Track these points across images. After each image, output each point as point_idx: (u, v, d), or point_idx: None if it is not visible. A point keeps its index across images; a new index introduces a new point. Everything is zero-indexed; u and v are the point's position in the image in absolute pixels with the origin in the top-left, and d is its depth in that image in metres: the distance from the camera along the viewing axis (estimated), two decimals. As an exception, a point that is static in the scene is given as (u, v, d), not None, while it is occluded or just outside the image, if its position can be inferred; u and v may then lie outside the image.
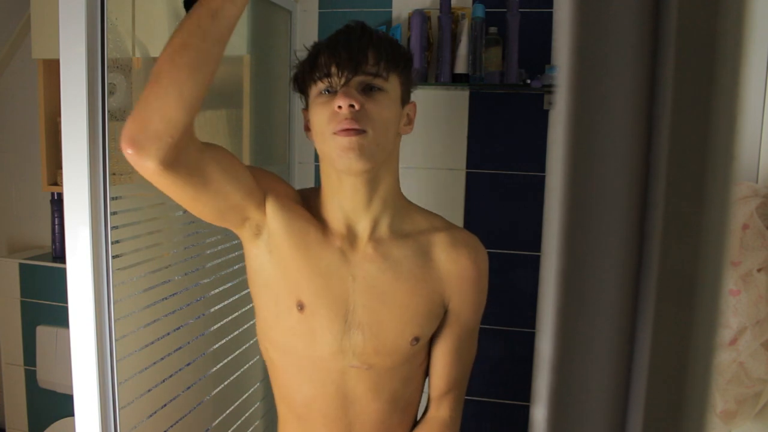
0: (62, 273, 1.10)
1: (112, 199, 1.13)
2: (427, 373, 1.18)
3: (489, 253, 1.18)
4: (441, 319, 1.12)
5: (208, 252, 1.48)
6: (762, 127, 1.41)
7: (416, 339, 1.08)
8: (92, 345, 1.09)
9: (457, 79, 1.80)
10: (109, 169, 1.11)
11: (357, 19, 1.08)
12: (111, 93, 1.15)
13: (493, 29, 1.79)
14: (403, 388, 1.13)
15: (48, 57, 1.86)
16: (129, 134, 0.86)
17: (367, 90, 1.01)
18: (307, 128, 1.08)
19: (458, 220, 1.97)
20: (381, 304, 1.06)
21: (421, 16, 1.81)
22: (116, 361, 1.13)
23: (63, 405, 2.07)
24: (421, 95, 1.89)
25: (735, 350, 1.16)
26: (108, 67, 1.10)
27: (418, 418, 1.21)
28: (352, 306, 1.06)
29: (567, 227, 0.23)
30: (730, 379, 1.17)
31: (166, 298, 1.31)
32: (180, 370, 1.36)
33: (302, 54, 1.10)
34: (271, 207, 1.05)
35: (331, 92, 1.01)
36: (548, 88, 1.77)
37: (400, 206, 1.11)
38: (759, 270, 1.16)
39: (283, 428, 1.19)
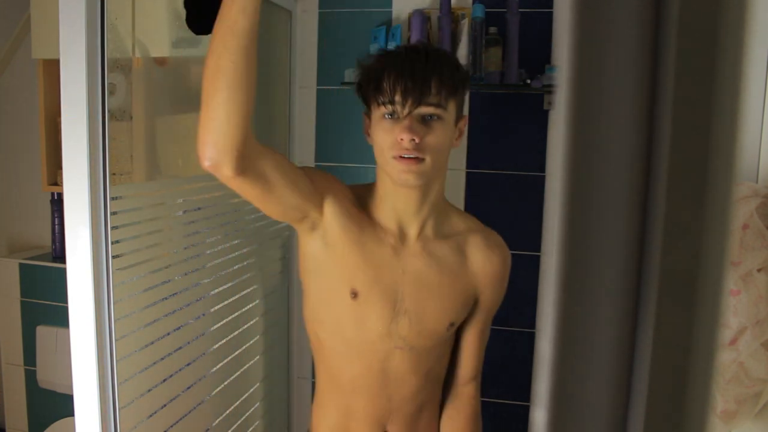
0: (62, 273, 1.10)
1: (112, 199, 1.12)
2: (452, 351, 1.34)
3: (489, 253, 1.29)
4: (471, 308, 1.28)
5: (208, 252, 1.48)
6: (762, 127, 1.41)
7: (452, 324, 1.24)
8: (92, 345, 1.09)
9: (457, 79, 1.80)
10: (109, 169, 1.11)
11: (423, 41, 1.20)
12: (111, 93, 1.15)
13: (493, 29, 1.79)
14: (437, 365, 1.28)
15: (48, 57, 1.86)
16: (202, 154, 0.97)
17: (427, 119, 1.10)
18: (367, 133, 1.19)
19: (458, 220, 1.96)
20: (425, 294, 1.21)
21: (421, 16, 1.81)
22: (116, 361, 1.13)
23: (63, 405, 2.07)
24: (421, 95, 1.89)
25: (735, 350, 1.16)
26: (108, 67, 1.10)
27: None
28: (400, 295, 1.20)
29: (568, 228, 0.23)
30: (730, 379, 1.17)
31: (166, 298, 1.31)
32: (180, 370, 1.36)
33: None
34: (328, 208, 1.17)
35: (394, 118, 1.10)
36: (548, 88, 1.77)
37: (442, 209, 1.24)
38: (759, 270, 1.16)
39: (321, 401, 1.31)
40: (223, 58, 0.93)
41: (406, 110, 1.08)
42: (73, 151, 1.06)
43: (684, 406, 0.24)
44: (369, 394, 1.24)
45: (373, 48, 1.84)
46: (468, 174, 1.94)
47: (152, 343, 1.27)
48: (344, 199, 1.18)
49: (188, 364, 1.39)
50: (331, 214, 1.16)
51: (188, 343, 1.39)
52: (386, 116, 1.11)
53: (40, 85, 1.91)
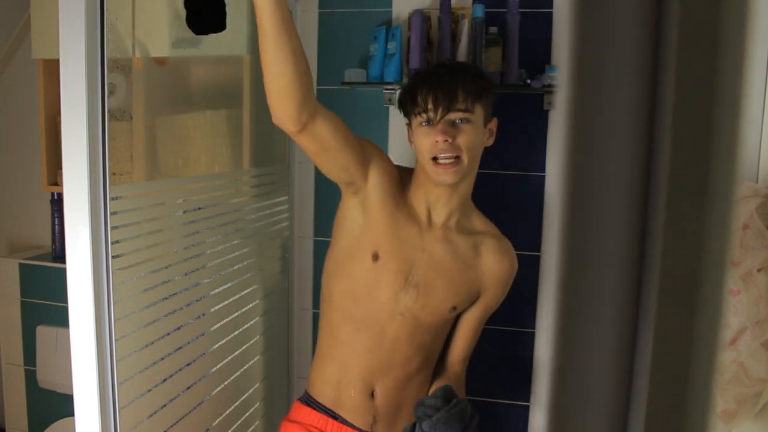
0: (62, 273, 1.10)
1: (112, 199, 1.12)
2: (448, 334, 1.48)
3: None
4: (474, 301, 1.44)
5: (208, 252, 1.48)
6: (762, 127, 1.41)
7: (454, 308, 1.40)
8: (92, 345, 1.09)
9: (457, 79, 1.80)
10: (109, 169, 1.11)
11: (449, 58, 1.45)
12: (111, 93, 1.15)
13: (493, 29, 1.79)
14: (431, 341, 1.42)
15: (48, 57, 1.86)
16: (273, 114, 1.17)
17: (457, 122, 1.30)
18: (410, 140, 1.37)
19: (458, 220, 1.96)
20: (437, 275, 1.37)
21: (421, 16, 1.80)
22: (116, 361, 1.13)
23: (63, 405, 2.07)
24: (421, 95, 1.89)
25: (735, 350, 1.16)
26: (108, 67, 1.10)
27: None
28: (415, 270, 1.36)
29: (569, 228, 0.23)
30: (730, 379, 1.17)
31: (166, 298, 1.31)
32: (180, 370, 1.36)
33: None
34: (373, 179, 1.34)
35: (430, 125, 1.30)
36: (548, 88, 1.77)
37: (468, 207, 1.44)
38: (759, 270, 1.16)
39: (322, 357, 1.45)
40: (265, 43, 1.10)
41: (439, 116, 1.29)
42: (73, 151, 1.06)
43: (685, 407, 0.24)
44: (364, 352, 1.38)
45: (373, 48, 1.84)
46: (468, 174, 1.94)
47: (152, 343, 1.26)
48: (389, 175, 1.36)
49: (188, 364, 1.39)
50: (373, 185, 1.34)
51: (188, 343, 1.39)
52: (423, 124, 1.31)
53: (40, 85, 1.91)
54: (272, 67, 1.12)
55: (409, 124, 1.38)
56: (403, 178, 1.41)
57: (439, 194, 1.36)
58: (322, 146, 1.23)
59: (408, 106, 1.35)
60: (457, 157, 1.29)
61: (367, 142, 1.36)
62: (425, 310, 1.36)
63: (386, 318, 1.37)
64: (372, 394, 1.41)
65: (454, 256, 1.38)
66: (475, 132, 1.32)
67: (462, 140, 1.29)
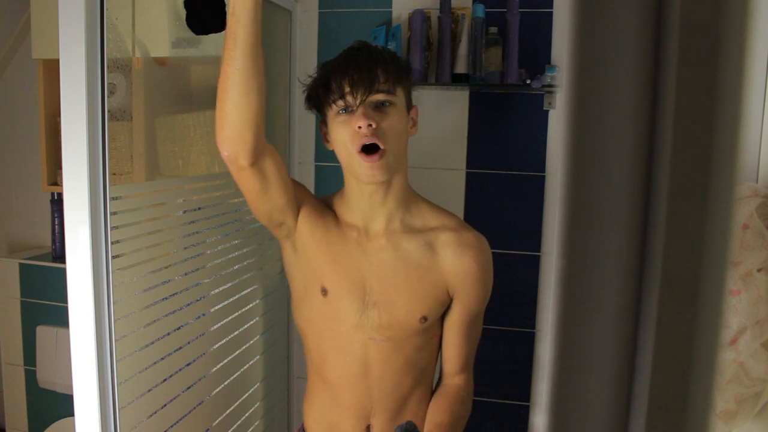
0: (62, 273, 1.10)
1: (112, 199, 1.12)
2: (440, 344, 1.33)
3: (489, 253, 1.27)
4: (448, 304, 1.28)
5: (208, 252, 1.48)
6: (762, 127, 1.41)
7: (424, 318, 1.24)
8: (92, 345, 1.09)
9: (457, 79, 1.80)
10: (109, 169, 1.11)
11: (360, 40, 1.22)
12: (111, 93, 1.15)
13: (493, 29, 1.79)
14: (416, 356, 1.28)
15: (48, 57, 1.86)
16: (221, 147, 1.09)
17: (380, 106, 1.15)
18: (326, 140, 1.23)
19: (458, 220, 1.97)
20: (393, 287, 1.23)
21: (421, 16, 1.81)
22: (116, 361, 1.13)
23: (63, 405, 2.07)
24: (421, 95, 1.89)
25: (735, 350, 1.16)
26: (108, 67, 1.10)
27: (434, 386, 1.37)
28: (368, 288, 1.23)
29: (569, 228, 0.23)
30: (730, 379, 1.17)
31: (166, 298, 1.31)
32: (180, 370, 1.36)
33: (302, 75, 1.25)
34: (302, 217, 1.24)
35: (348, 111, 1.15)
36: (548, 88, 1.77)
37: (411, 202, 1.26)
38: (759, 270, 1.16)
39: (312, 394, 1.36)
40: (230, 66, 1.02)
41: (359, 99, 1.13)
42: (73, 151, 1.06)
43: (685, 407, 0.24)
44: (351, 386, 1.27)
45: (373, 48, 1.84)
46: (468, 174, 1.94)
47: (152, 343, 1.26)
48: (313, 206, 1.26)
49: (188, 364, 1.39)
50: (301, 222, 1.24)
51: (188, 343, 1.39)
52: (341, 111, 1.15)
53: (40, 85, 1.91)
54: (240, 95, 1.03)
55: (323, 122, 1.22)
56: (330, 203, 1.29)
57: (372, 196, 1.20)
58: (266, 183, 1.14)
59: (320, 97, 1.19)
60: (381, 149, 1.12)
61: (297, 184, 1.27)
62: (393, 327, 1.23)
63: (359, 347, 1.25)
64: (368, 429, 1.30)
65: (406, 261, 1.23)
66: (399, 117, 1.16)
67: (386, 125, 1.13)
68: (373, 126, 1.11)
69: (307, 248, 1.25)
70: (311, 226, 1.24)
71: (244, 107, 1.03)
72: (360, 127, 1.11)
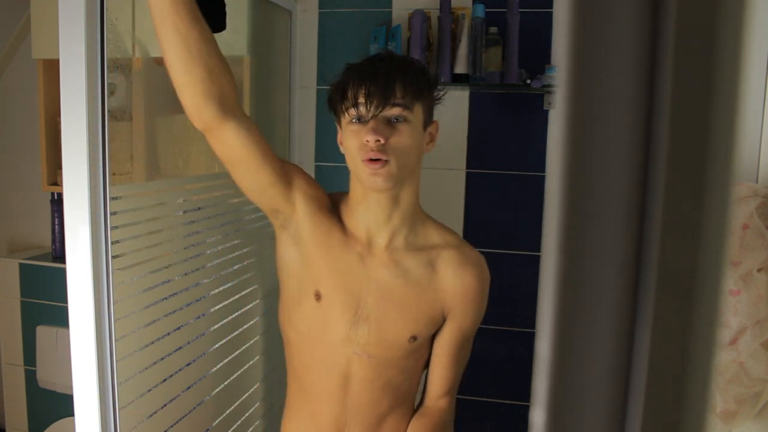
0: (62, 273, 1.10)
1: (112, 199, 1.12)
2: (425, 366, 1.30)
3: (489, 253, 1.28)
4: (440, 325, 1.25)
5: (208, 252, 1.48)
6: (762, 127, 1.41)
7: (414, 338, 1.22)
8: (92, 345, 1.09)
9: (457, 79, 1.80)
10: (109, 169, 1.11)
11: (388, 49, 1.21)
12: (111, 93, 1.15)
13: (493, 29, 1.79)
14: (399, 377, 1.25)
15: (48, 57, 1.86)
16: (188, 113, 1.09)
17: (393, 121, 1.12)
18: (340, 142, 1.21)
19: (458, 220, 1.97)
20: (388, 303, 1.20)
21: (421, 16, 1.81)
22: (116, 361, 1.13)
23: (63, 405, 2.07)
24: (421, 95, 1.89)
25: (735, 350, 1.16)
26: (108, 67, 1.10)
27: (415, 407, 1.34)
28: (363, 302, 1.21)
29: (566, 227, 0.23)
30: (730, 379, 1.17)
31: (166, 298, 1.31)
32: (180, 370, 1.36)
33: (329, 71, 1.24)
34: (301, 206, 1.20)
35: (361, 122, 1.13)
36: (548, 88, 1.77)
37: (417, 220, 1.23)
38: (759, 270, 1.16)
39: (290, 401, 1.33)
40: (162, 39, 1.03)
41: (371, 113, 1.11)
42: (73, 151, 1.06)
43: (682, 406, 0.24)
44: (329, 398, 1.25)
45: (373, 48, 1.84)
46: (468, 174, 1.94)
47: (152, 343, 1.26)
48: (318, 201, 1.22)
49: (188, 364, 1.39)
50: (302, 214, 1.20)
51: (188, 343, 1.39)
52: (353, 121, 1.14)
53: (40, 85, 1.91)
54: (168, 51, 1.04)
55: (339, 123, 1.21)
56: (337, 204, 1.25)
57: (378, 208, 1.18)
58: (230, 155, 1.13)
59: (337, 101, 1.17)
60: (386, 161, 1.10)
61: (293, 166, 1.23)
62: (380, 344, 1.20)
63: (343, 359, 1.22)
64: None
65: (405, 280, 1.20)
66: (412, 134, 1.13)
67: (395, 142, 1.11)
68: (382, 142, 1.09)
69: (307, 246, 1.21)
70: (313, 223, 1.20)
71: (189, 75, 1.05)
72: (367, 141, 1.10)
